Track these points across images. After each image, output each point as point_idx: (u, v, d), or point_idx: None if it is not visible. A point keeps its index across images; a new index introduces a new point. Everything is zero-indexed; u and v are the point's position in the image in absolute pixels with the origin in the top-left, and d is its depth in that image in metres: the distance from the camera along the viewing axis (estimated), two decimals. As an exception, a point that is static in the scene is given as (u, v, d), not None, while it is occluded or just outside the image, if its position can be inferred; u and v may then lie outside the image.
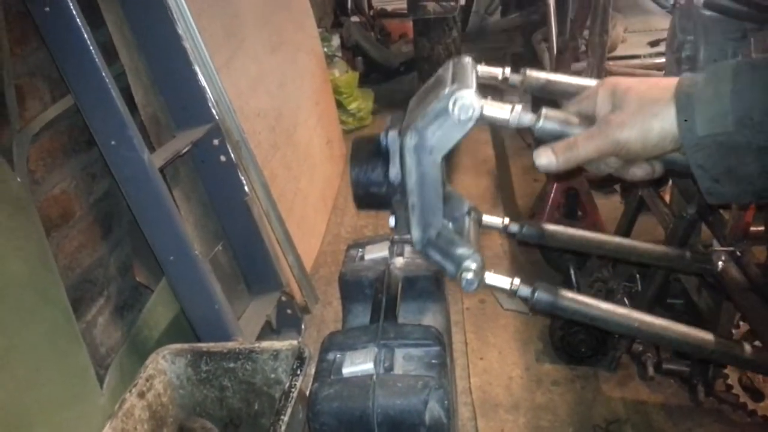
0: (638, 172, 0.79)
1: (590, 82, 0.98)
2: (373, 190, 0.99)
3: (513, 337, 2.32)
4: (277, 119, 2.72)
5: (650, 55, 3.17)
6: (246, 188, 2.12)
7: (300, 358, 1.58)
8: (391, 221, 1.01)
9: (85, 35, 1.57)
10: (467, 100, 0.83)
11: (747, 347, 1.25)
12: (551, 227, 1.35)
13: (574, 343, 2.09)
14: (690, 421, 1.89)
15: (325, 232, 3.14)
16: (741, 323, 1.73)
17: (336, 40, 4.51)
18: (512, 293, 0.99)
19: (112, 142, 1.65)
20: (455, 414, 1.21)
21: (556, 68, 3.01)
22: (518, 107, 0.83)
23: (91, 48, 1.57)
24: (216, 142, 2.06)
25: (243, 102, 2.38)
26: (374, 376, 1.05)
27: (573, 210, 2.77)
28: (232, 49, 2.42)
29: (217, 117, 2.05)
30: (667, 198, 2.14)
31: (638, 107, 0.71)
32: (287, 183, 2.67)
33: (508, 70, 1.06)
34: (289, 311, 2.33)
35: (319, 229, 3.07)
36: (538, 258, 2.61)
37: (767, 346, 1.37)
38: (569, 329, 2.08)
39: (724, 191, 0.70)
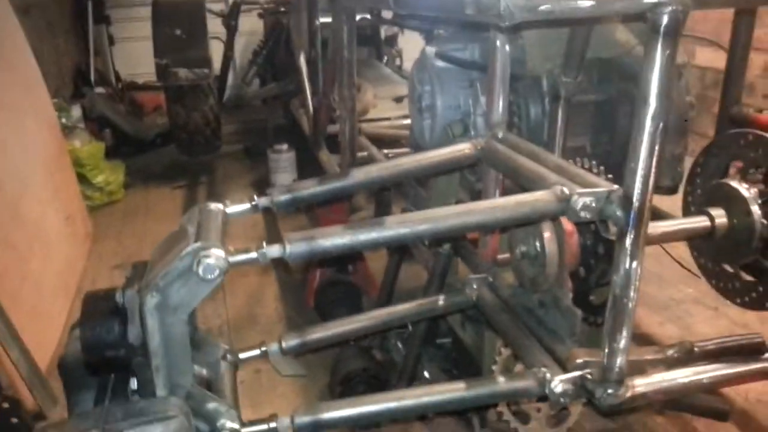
0: None
1: (337, 182, 1.15)
2: (109, 354, 0.94)
3: (292, 405, 2.15)
4: (-6, 191, 2.29)
5: (398, 117, 3.43)
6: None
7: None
8: (133, 384, 0.99)
9: None
10: (212, 260, 0.83)
11: (500, 379, 1.29)
12: (311, 330, 1.48)
13: (355, 398, 2.01)
14: (471, 456, 1.90)
15: (67, 321, 2.67)
16: (502, 350, 1.81)
17: (77, 111, 4.10)
18: None
19: None
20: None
21: (314, 128, 3.06)
22: (264, 245, 0.90)
23: None
24: None
25: (-57, 168, 1.96)
26: (93, 470, 0.83)
27: (344, 266, 2.77)
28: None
29: None
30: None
31: None
32: (11, 264, 2.23)
33: (255, 197, 1.16)
34: (14, 420, 1.88)
35: (59, 319, 2.61)
36: (315, 317, 2.52)
37: (524, 363, 1.41)
38: (348, 384, 2.00)
39: None
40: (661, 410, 1.95)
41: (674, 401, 1.87)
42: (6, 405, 1.85)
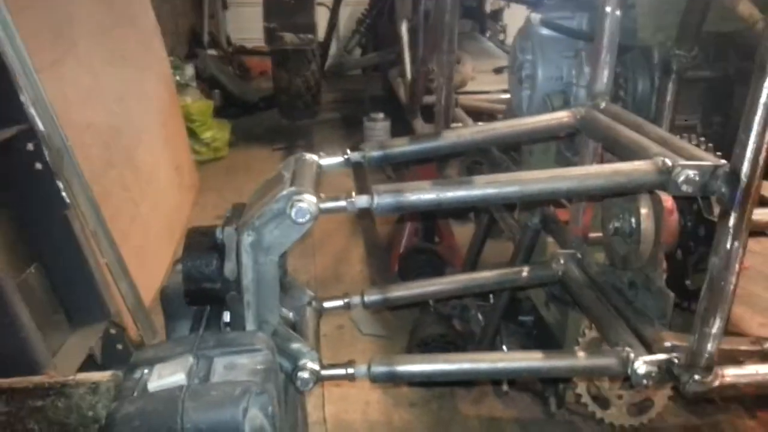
0: None
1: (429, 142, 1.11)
2: (207, 286, 1.00)
3: (370, 362, 2.22)
4: (114, 136, 2.48)
5: (496, 91, 3.36)
6: (66, 200, 1.86)
7: (122, 388, 1.35)
8: (226, 317, 1.03)
9: None
10: (305, 204, 0.87)
11: (580, 354, 1.26)
12: (393, 288, 1.48)
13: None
14: (543, 433, 1.88)
15: (171, 264, 2.87)
16: (586, 331, 1.76)
17: (190, 70, 4.33)
18: (351, 378, 1.08)
19: None
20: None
21: (411, 97, 3.07)
22: (353, 194, 0.92)
23: None
24: (30, 146, 1.80)
25: (71, 110, 2.14)
26: (184, 388, 0.90)
27: (431, 235, 2.79)
28: (60, 53, 2.18)
29: (33, 119, 1.80)
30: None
31: None
32: (123, 204, 2.42)
33: (348, 151, 1.21)
34: (119, 346, 2.05)
35: (163, 260, 2.80)
36: (396, 280, 2.56)
37: (607, 341, 1.37)
38: (425, 347, 2.02)
39: None
40: (754, 408, 1.83)
41: (768, 399, 1.75)
42: (113, 331, 2.02)
